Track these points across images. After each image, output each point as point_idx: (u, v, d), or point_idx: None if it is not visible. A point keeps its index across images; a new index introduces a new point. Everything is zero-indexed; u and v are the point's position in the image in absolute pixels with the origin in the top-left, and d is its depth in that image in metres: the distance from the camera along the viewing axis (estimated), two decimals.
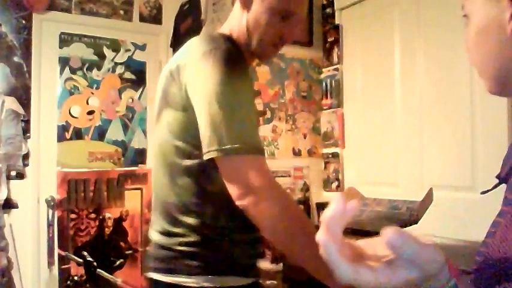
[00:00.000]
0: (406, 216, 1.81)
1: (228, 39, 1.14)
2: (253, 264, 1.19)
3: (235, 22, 1.18)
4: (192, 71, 1.06)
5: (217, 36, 1.15)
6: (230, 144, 0.98)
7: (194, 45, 1.11)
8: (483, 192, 0.68)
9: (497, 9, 0.56)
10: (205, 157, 1.00)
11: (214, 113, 1.00)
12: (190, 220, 1.09)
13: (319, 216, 2.70)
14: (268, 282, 1.85)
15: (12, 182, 2.39)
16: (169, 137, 1.11)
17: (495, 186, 0.66)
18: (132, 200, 2.73)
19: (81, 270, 2.45)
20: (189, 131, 1.07)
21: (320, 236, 0.46)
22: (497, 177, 0.67)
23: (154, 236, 1.15)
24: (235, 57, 1.06)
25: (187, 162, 1.09)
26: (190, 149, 1.08)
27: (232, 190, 1.00)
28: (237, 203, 1.00)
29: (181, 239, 1.09)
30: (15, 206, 2.39)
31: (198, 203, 1.10)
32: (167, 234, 1.12)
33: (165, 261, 1.11)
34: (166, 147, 1.12)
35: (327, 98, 2.85)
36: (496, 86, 0.62)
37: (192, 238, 1.09)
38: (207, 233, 1.09)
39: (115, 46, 2.80)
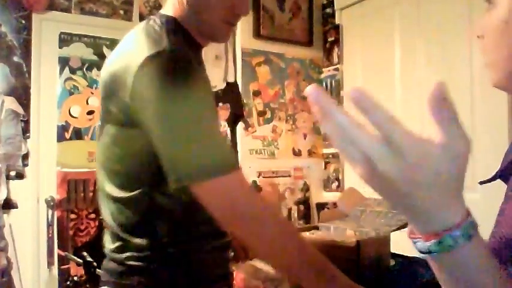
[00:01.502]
0: None
1: (172, 24, 0.99)
2: (224, 273, 1.09)
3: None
4: (135, 83, 0.88)
5: (160, 27, 0.97)
6: (199, 168, 0.87)
7: (135, 46, 0.94)
8: (481, 183, 0.68)
9: None
10: (173, 186, 0.88)
11: (172, 134, 0.88)
12: (139, 240, 0.97)
13: (319, 216, 2.70)
14: (268, 282, 1.84)
15: (11, 182, 2.39)
16: (109, 157, 1.00)
17: (493, 178, 0.66)
18: None
19: (81, 271, 2.45)
20: (131, 153, 0.95)
21: (308, 88, 0.41)
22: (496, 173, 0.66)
23: (106, 244, 1.04)
24: (183, 59, 0.90)
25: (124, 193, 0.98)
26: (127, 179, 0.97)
27: (218, 219, 0.91)
28: (230, 231, 0.95)
29: (130, 254, 0.98)
30: (14, 206, 2.39)
31: (147, 222, 0.98)
32: (116, 248, 1.01)
33: (115, 276, 1.01)
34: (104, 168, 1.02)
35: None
36: (505, 80, 0.60)
37: (143, 254, 0.98)
38: (162, 249, 0.98)
39: (115, 46, 2.79)
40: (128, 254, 0.99)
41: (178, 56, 0.90)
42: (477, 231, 0.44)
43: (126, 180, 0.99)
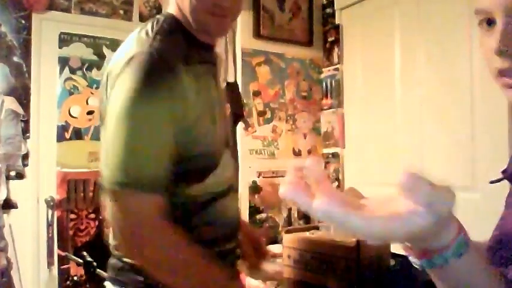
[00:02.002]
0: None
1: (169, 24, 1.01)
2: None
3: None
4: (114, 83, 0.93)
5: (154, 27, 0.99)
6: (114, 177, 0.87)
7: (125, 48, 0.98)
8: (492, 182, 0.67)
9: None
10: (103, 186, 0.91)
11: (113, 136, 0.89)
12: None
13: None
14: (268, 282, 1.84)
15: (11, 182, 2.39)
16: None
17: (503, 179, 0.65)
18: None
19: (81, 271, 2.45)
20: None
21: (282, 189, 0.43)
22: (503, 172, 0.66)
23: (109, 240, 1.08)
24: (159, 62, 0.91)
25: None
26: None
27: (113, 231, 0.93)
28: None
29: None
30: (14, 206, 2.39)
31: None
32: (116, 245, 1.05)
33: (115, 272, 1.04)
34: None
35: (327, 98, 2.84)
36: None
37: None
38: None
39: (115, 46, 2.79)
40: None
41: (153, 59, 0.91)
42: (469, 247, 0.46)
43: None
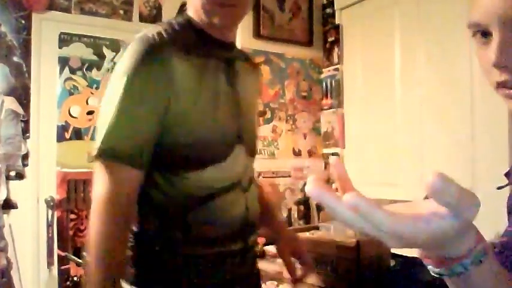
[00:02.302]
0: None
1: (178, 24, 1.07)
2: (219, 282, 1.06)
3: None
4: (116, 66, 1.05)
5: (165, 24, 1.07)
6: (96, 147, 0.96)
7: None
8: (499, 188, 0.66)
9: None
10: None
11: (102, 110, 0.98)
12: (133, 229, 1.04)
13: (319, 217, 2.69)
14: (268, 282, 1.84)
15: (11, 182, 2.38)
16: None
17: (509, 184, 0.65)
18: None
19: (81, 271, 2.45)
20: None
21: (307, 187, 0.42)
22: (506, 175, 0.65)
23: None
24: (149, 49, 0.97)
25: None
26: None
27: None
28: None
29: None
30: (14, 206, 2.39)
31: (142, 212, 1.03)
32: None
33: None
34: None
35: (327, 98, 2.84)
36: None
37: (131, 243, 1.02)
38: (148, 243, 1.02)
39: (114, 46, 2.80)
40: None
41: (147, 43, 0.98)
42: (487, 254, 0.46)
43: None
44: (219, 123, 1.05)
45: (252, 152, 1.16)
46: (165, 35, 1.01)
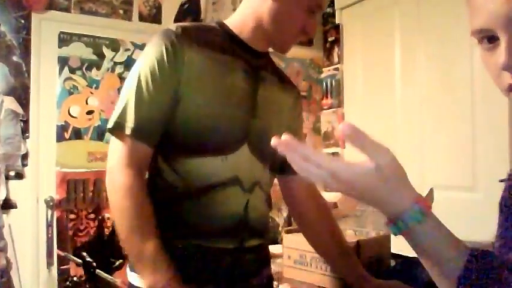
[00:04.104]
0: None
1: (211, 27, 1.14)
2: (214, 280, 1.06)
3: (249, 10, 1.14)
4: None
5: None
6: (113, 122, 1.04)
7: None
8: (501, 181, 0.68)
9: None
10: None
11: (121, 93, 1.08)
12: None
13: None
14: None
15: (11, 182, 2.38)
16: None
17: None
18: None
19: (81, 271, 2.44)
20: None
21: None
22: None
23: None
24: (169, 36, 1.05)
25: None
26: None
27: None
28: None
29: None
30: (14, 206, 2.38)
31: None
32: None
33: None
34: None
35: (327, 97, 2.84)
36: None
37: None
38: None
39: (114, 46, 2.79)
40: None
41: (169, 31, 1.06)
42: (427, 216, 0.58)
43: None
44: (226, 116, 1.08)
45: (260, 157, 1.14)
46: (186, 29, 1.07)
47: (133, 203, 0.99)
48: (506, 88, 0.55)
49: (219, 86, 1.08)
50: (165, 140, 1.06)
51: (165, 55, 1.03)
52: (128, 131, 1.01)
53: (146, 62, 1.05)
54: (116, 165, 1.01)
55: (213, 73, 1.07)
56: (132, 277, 1.07)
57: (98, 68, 2.73)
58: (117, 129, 1.03)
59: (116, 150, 1.02)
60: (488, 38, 0.55)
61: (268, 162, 1.18)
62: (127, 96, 1.04)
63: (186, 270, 1.01)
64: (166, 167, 1.06)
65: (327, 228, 1.34)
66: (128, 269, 1.11)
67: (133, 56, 2.84)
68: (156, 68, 1.03)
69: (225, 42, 1.12)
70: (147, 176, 1.09)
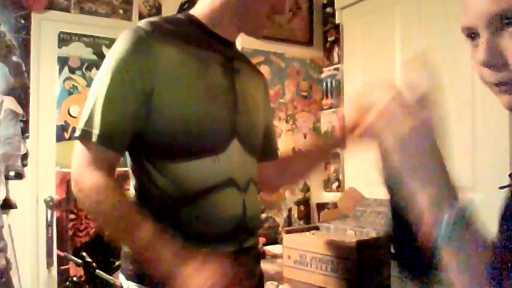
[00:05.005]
0: None
1: (178, 19, 1.10)
2: None
3: None
4: None
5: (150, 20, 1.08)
6: (77, 129, 1.01)
7: None
8: (501, 188, 0.67)
9: None
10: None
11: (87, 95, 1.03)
12: None
13: (319, 217, 2.69)
14: (268, 283, 1.84)
15: (10, 182, 2.38)
16: None
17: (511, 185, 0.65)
18: None
19: (80, 271, 2.44)
20: None
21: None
22: (511, 176, 0.65)
23: None
24: (137, 34, 1.00)
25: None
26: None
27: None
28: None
29: None
30: (13, 207, 2.38)
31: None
32: None
33: (120, 259, 1.09)
34: None
35: (327, 97, 2.83)
36: None
37: None
38: None
39: None
40: None
41: (138, 29, 1.01)
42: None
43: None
44: (210, 114, 1.03)
45: (251, 152, 1.13)
46: (157, 24, 1.03)
47: (109, 198, 0.95)
48: (487, 84, 0.59)
49: (200, 83, 1.03)
50: (146, 143, 1.01)
51: (133, 55, 0.98)
52: (94, 138, 0.97)
53: (113, 63, 0.99)
54: (81, 168, 0.98)
55: (191, 70, 1.03)
56: (126, 284, 1.04)
57: (98, 68, 2.72)
58: (84, 137, 0.98)
59: (82, 156, 0.98)
60: (474, 36, 0.58)
61: (257, 154, 1.17)
62: (93, 100, 0.99)
63: None
64: (153, 171, 1.01)
65: (285, 162, 1.37)
66: (120, 275, 1.07)
67: None
68: (124, 69, 0.99)
69: (196, 34, 1.08)
70: (136, 185, 1.06)
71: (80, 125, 1.00)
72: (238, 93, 1.11)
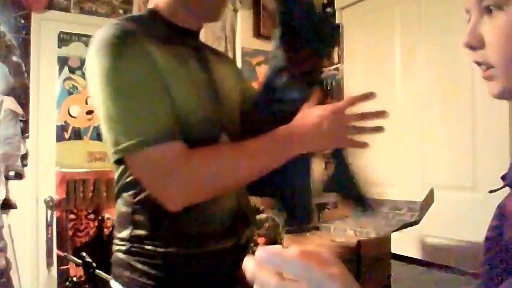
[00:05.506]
0: (407, 216, 1.80)
1: (143, 16, 1.05)
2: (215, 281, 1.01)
3: None
4: (86, 63, 0.96)
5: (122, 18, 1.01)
6: (125, 142, 0.87)
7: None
8: (491, 191, 0.66)
9: None
10: (111, 160, 0.91)
11: (105, 107, 0.89)
12: (124, 232, 1.00)
13: (319, 217, 2.69)
14: None
15: (10, 182, 2.38)
16: None
17: (504, 186, 0.63)
18: None
19: (80, 271, 2.44)
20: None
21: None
22: (503, 178, 0.64)
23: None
24: (119, 34, 0.91)
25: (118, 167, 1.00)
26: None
27: (150, 190, 0.93)
28: (165, 205, 0.91)
29: (117, 247, 1.02)
30: (13, 207, 2.38)
31: (131, 215, 0.99)
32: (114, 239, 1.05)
33: (112, 265, 1.05)
34: None
35: (327, 97, 2.84)
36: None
37: (124, 247, 1.00)
38: (140, 244, 0.98)
39: None
40: (117, 246, 1.01)
41: (114, 30, 0.91)
42: None
43: (119, 163, 0.99)
44: (201, 111, 1.00)
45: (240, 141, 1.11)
46: (128, 24, 0.95)
47: (215, 155, 0.92)
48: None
49: (187, 82, 0.99)
50: None
51: (132, 51, 0.91)
52: (154, 141, 0.87)
53: (115, 66, 0.89)
54: (161, 178, 0.89)
55: (174, 69, 0.97)
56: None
57: None
58: (138, 148, 0.87)
59: (158, 162, 0.88)
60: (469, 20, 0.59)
61: None
62: (121, 108, 0.88)
63: (189, 278, 0.98)
64: None
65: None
66: (113, 282, 1.04)
67: None
68: (132, 64, 0.91)
69: (165, 31, 1.03)
70: (133, 187, 0.99)
71: (125, 143, 0.87)
72: (218, 84, 1.08)
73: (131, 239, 0.99)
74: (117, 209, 1.05)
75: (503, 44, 0.55)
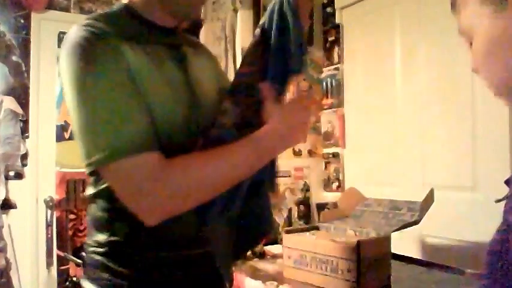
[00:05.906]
0: (407, 216, 1.80)
1: (115, 12, 1.00)
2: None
3: None
4: (58, 66, 0.93)
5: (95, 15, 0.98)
6: (98, 154, 0.83)
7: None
8: (498, 201, 0.64)
9: (508, 20, 0.54)
10: (86, 171, 0.89)
11: (76, 115, 0.85)
12: (101, 236, 0.97)
13: (319, 217, 2.69)
14: (268, 283, 1.84)
15: (10, 182, 2.38)
16: None
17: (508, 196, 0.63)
18: None
19: (80, 271, 2.44)
20: None
21: None
22: (506, 182, 0.64)
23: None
24: (94, 40, 0.87)
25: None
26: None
27: (124, 201, 0.87)
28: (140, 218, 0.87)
29: (93, 248, 0.99)
30: (13, 207, 2.38)
31: (108, 219, 0.97)
32: (88, 241, 1.02)
33: (86, 267, 1.02)
34: None
35: (327, 97, 2.83)
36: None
37: (103, 249, 0.97)
38: (119, 248, 0.96)
39: None
40: (92, 248, 0.99)
41: (83, 34, 0.88)
42: None
43: (93, 174, 0.97)
44: (177, 115, 0.96)
45: None
46: (100, 24, 0.91)
47: (191, 166, 0.89)
48: None
49: (160, 85, 0.95)
50: None
51: (105, 54, 0.87)
52: (128, 152, 0.83)
53: (84, 74, 0.86)
54: (137, 188, 0.85)
55: (149, 72, 0.93)
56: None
57: None
58: (111, 159, 0.83)
59: (132, 173, 0.84)
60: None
61: None
62: (95, 116, 0.85)
63: (168, 280, 0.97)
64: None
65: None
66: (83, 281, 1.01)
67: None
68: (104, 69, 0.87)
69: (139, 29, 0.99)
70: (110, 197, 0.92)
71: (99, 155, 0.83)
72: (196, 86, 1.04)
73: (108, 244, 0.96)
74: (91, 212, 1.01)
75: (484, 64, 0.56)
